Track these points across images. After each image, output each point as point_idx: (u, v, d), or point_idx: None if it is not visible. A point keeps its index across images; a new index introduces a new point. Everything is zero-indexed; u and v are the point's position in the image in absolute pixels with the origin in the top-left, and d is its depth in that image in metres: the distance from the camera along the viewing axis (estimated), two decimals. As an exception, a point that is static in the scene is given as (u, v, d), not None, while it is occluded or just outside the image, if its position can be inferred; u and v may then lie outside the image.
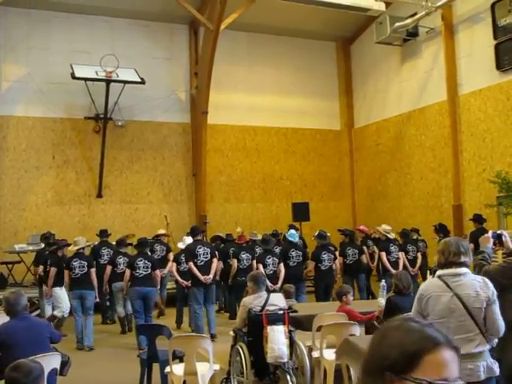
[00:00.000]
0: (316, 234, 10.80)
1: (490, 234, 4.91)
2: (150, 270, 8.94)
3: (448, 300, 3.53)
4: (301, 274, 10.23)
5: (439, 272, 3.66)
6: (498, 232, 4.92)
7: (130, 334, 9.65)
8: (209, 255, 9.21)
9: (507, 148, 13.15)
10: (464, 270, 3.64)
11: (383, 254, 10.78)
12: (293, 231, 11.04)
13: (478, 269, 4.55)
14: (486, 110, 13.69)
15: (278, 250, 10.62)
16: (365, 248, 11.79)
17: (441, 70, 14.76)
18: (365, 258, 11.26)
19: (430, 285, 3.66)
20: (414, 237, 12.27)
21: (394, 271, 9.55)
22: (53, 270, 9.30)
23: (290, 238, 10.56)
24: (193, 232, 9.69)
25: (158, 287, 9.66)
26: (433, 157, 15.36)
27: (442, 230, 11.75)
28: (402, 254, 10.83)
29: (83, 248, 9.49)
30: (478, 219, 11.57)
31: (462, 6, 14.22)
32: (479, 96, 13.88)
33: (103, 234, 11.14)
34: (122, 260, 9.90)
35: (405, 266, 10.58)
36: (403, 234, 11.70)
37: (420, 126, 15.76)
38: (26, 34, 14.62)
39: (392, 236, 11.18)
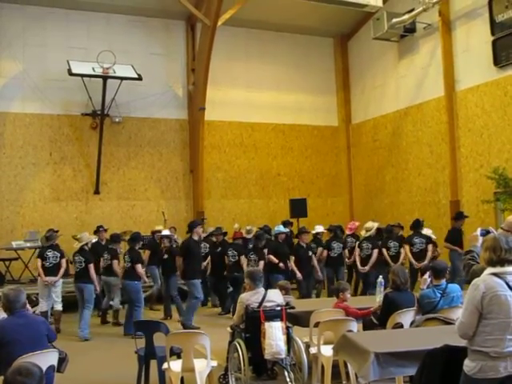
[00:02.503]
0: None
1: (478, 231, 4.88)
2: (130, 265, 9.73)
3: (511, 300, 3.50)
4: None
5: (493, 270, 3.57)
6: (487, 229, 4.90)
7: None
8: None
9: (504, 144, 13.16)
10: None
11: (356, 250, 11.56)
12: (277, 228, 11.55)
13: (466, 268, 4.53)
14: (484, 106, 13.69)
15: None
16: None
17: (438, 66, 14.76)
18: (347, 253, 12.15)
19: (491, 283, 3.51)
20: (400, 233, 12.33)
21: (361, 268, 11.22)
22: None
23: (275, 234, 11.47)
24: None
25: (142, 281, 9.91)
26: (430, 153, 15.36)
27: (413, 226, 11.92)
28: (375, 252, 11.34)
29: (87, 244, 9.87)
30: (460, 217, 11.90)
31: (460, 2, 14.22)
32: (476, 92, 13.88)
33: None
34: (106, 255, 10.33)
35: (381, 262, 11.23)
36: (386, 230, 12.06)
37: (417, 121, 15.76)
38: (22, 30, 14.57)
39: (367, 234, 11.60)
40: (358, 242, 11.78)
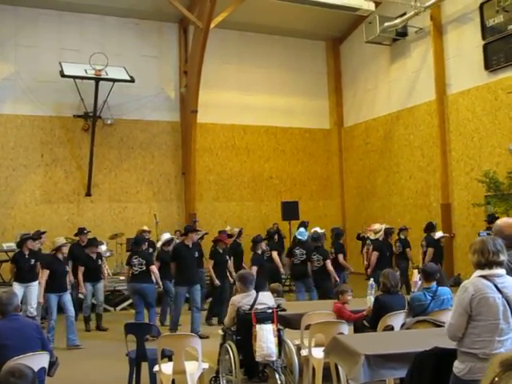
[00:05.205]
0: (309, 236, 10.97)
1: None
2: (144, 267, 9.20)
3: (500, 302, 3.51)
4: (305, 272, 10.29)
5: (482, 272, 3.58)
6: (489, 232, 4.94)
7: (119, 332, 9.56)
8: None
9: (495, 148, 13.24)
10: (504, 270, 3.64)
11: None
12: (302, 230, 11.22)
13: None
14: (474, 110, 13.78)
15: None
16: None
17: (429, 70, 14.84)
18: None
19: (480, 285, 3.54)
20: (402, 236, 12.35)
21: None
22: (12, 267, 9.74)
23: (299, 237, 10.84)
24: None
25: (156, 282, 9.58)
26: (421, 156, 15.44)
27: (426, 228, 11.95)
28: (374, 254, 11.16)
29: (59, 248, 9.01)
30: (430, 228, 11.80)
31: (451, 6, 14.31)
32: (467, 96, 13.96)
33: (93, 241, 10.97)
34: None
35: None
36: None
37: (409, 125, 15.84)
38: (14, 31, 14.53)
39: (373, 237, 11.37)
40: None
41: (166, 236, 10.74)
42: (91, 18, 15.37)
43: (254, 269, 9.79)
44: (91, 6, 15.03)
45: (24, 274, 9.55)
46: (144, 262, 9.23)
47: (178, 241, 11.01)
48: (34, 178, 14.77)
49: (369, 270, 11.03)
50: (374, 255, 11.15)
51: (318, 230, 11.83)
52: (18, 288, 9.26)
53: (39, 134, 14.85)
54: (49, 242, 11.41)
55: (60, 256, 8.96)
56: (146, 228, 12.29)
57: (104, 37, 15.34)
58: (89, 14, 15.28)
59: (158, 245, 10.69)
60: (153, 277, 9.32)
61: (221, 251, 10.34)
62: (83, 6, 14.99)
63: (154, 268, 9.39)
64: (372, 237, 11.52)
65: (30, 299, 9.57)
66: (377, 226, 11.68)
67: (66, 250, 9.14)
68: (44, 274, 8.70)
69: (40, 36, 14.84)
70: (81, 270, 9.80)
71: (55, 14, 15.01)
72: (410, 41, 15.75)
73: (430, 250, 11.42)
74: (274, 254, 11.38)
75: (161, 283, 9.55)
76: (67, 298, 8.86)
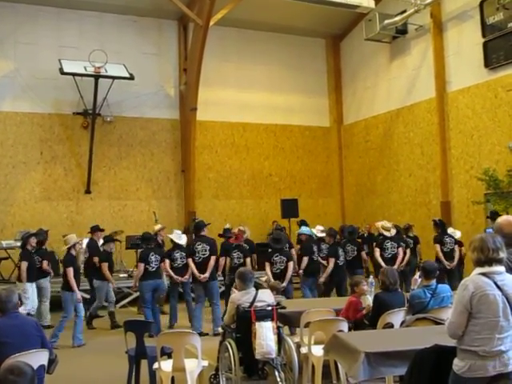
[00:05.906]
0: (327, 232, 11.06)
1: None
2: (159, 263, 9.50)
3: (500, 299, 3.52)
4: (318, 269, 10.52)
5: (481, 269, 3.60)
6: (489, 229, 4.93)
7: (119, 330, 9.57)
8: (207, 252, 9.33)
9: (495, 145, 13.24)
10: (503, 268, 3.64)
11: (377, 250, 10.88)
12: (307, 228, 11.34)
13: None
14: (474, 108, 13.77)
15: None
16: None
17: (429, 68, 14.83)
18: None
19: (479, 282, 3.55)
20: (410, 233, 12.25)
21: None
22: (23, 264, 9.50)
23: (313, 234, 11.08)
24: (195, 228, 9.89)
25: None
26: (421, 154, 15.43)
27: (441, 225, 11.66)
28: (401, 250, 10.78)
29: (74, 245, 9.05)
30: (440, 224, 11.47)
31: (451, 4, 14.30)
32: (467, 93, 13.95)
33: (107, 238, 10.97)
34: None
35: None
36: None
37: (408, 122, 15.83)
38: (14, 28, 14.50)
39: (389, 233, 11.15)
40: (376, 243, 11.36)
41: (181, 235, 10.40)
42: (90, 15, 15.33)
43: (291, 265, 9.57)
44: (90, 2, 15.01)
45: (33, 272, 9.62)
46: (159, 257, 9.49)
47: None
48: (33, 176, 14.75)
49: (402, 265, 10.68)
50: (405, 252, 10.80)
51: (321, 228, 11.76)
52: (31, 288, 9.40)
53: (38, 132, 14.83)
54: (50, 240, 11.50)
55: (74, 253, 9.05)
56: (160, 226, 12.04)
57: (103, 34, 15.31)
58: (88, 11, 15.24)
59: (182, 241, 10.40)
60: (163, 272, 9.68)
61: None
62: (82, 3, 14.97)
63: (164, 264, 9.67)
64: (387, 234, 11.20)
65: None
66: (387, 225, 11.41)
67: (78, 247, 9.30)
68: (69, 273, 8.65)
69: (39, 33, 14.81)
70: (105, 265, 9.96)
71: (54, 12, 14.97)
72: (410, 38, 15.74)
73: (462, 250, 11.07)
74: (293, 251, 11.45)
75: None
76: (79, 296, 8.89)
